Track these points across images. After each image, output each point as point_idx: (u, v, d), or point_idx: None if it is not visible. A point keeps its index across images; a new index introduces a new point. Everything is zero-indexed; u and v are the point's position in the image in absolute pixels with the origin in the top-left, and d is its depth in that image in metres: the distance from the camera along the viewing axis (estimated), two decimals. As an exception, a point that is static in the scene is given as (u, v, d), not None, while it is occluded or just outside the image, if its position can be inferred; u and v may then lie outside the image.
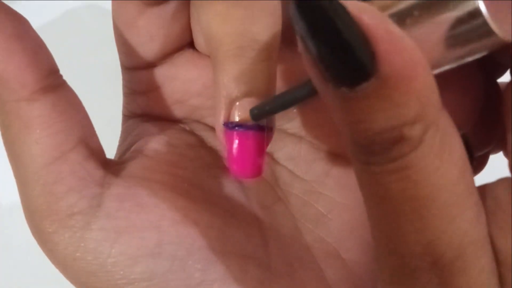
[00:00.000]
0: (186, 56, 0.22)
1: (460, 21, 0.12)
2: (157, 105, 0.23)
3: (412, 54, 0.11)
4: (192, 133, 0.23)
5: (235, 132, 0.18)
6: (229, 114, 0.18)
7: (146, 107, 0.23)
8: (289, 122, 0.23)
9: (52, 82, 0.18)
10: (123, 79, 0.23)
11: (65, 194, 0.17)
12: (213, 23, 0.18)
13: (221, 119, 0.18)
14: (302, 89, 0.16)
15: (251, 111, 0.18)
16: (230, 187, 0.21)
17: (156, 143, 0.21)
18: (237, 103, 0.18)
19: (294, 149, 0.23)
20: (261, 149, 0.18)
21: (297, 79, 0.24)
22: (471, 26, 0.12)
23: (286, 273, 0.20)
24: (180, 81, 0.22)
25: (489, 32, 0.12)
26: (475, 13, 0.12)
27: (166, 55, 0.22)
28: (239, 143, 0.18)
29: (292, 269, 0.20)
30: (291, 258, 0.20)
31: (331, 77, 0.12)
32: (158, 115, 0.23)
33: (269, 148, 0.23)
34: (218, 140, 0.19)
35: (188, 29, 0.21)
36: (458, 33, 0.12)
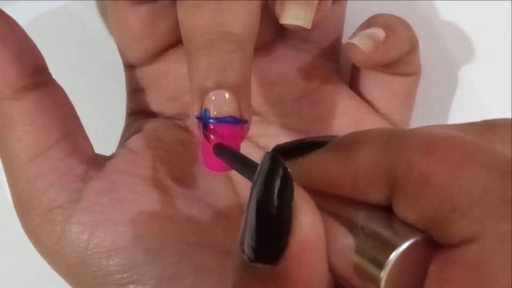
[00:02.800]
0: (178, 53, 0.22)
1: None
2: (152, 102, 0.23)
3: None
4: (185, 129, 0.23)
5: (207, 125, 0.18)
6: (201, 106, 0.17)
7: (143, 104, 0.23)
8: (286, 117, 0.23)
9: (36, 81, 0.18)
10: (125, 77, 0.24)
11: (46, 189, 0.18)
12: (185, 17, 0.18)
13: (194, 111, 0.18)
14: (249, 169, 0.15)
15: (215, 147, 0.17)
16: (218, 182, 0.21)
17: (146, 139, 0.21)
18: (210, 96, 0.17)
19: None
20: (234, 142, 0.18)
21: (294, 74, 0.23)
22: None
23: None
24: (172, 78, 0.22)
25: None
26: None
27: (158, 53, 0.22)
28: (212, 136, 0.18)
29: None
30: None
31: (243, 236, 0.12)
32: (154, 111, 0.23)
33: (264, 143, 0.23)
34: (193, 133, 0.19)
35: (178, 27, 0.21)
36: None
